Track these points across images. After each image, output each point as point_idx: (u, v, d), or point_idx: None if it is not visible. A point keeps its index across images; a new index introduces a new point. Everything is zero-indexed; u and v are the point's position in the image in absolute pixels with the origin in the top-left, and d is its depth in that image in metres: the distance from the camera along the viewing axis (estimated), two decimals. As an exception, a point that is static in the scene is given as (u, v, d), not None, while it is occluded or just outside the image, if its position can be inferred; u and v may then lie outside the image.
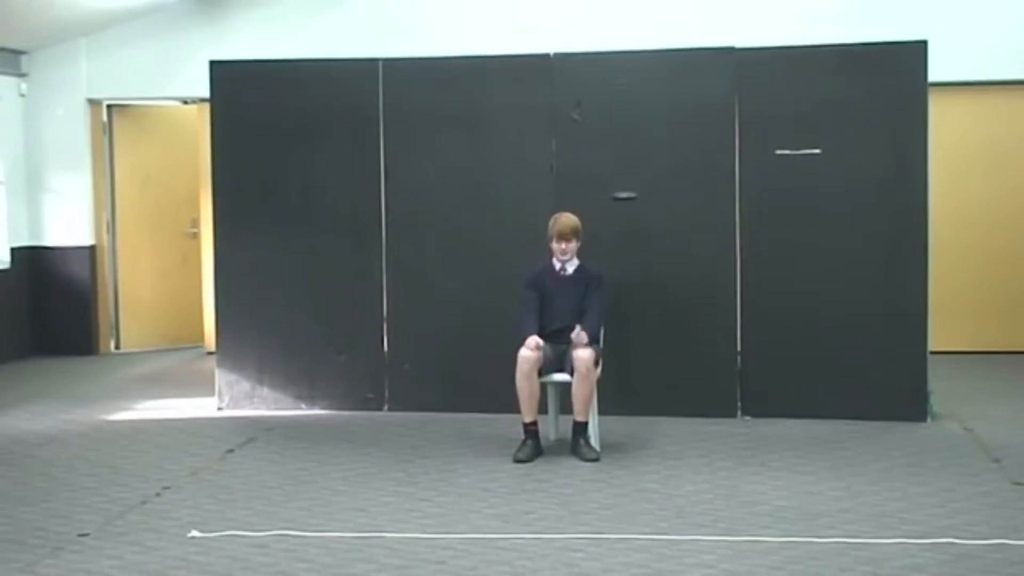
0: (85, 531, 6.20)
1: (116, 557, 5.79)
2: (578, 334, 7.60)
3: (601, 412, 7.83)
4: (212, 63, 9.39)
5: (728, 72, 8.76)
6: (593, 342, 7.72)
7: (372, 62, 9.19)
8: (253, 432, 8.51)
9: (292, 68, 9.48)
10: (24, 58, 12.18)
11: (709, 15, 11.16)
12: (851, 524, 6.15)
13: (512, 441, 7.82)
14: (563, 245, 7.89)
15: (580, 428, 7.67)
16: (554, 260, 7.96)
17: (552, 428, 8.05)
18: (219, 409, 9.28)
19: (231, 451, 7.97)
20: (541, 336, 7.70)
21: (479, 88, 9.04)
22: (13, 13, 11.07)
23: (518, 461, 7.50)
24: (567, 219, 7.91)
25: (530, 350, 7.57)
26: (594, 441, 7.70)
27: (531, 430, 7.65)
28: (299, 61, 9.69)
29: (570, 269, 7.96)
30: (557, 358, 7.73)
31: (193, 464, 7.62)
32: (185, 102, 12.54)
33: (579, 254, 7.96)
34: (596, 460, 7.50)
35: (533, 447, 7.63)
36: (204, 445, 8.17)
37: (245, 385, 9.27)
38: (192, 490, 7.00)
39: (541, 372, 7.65)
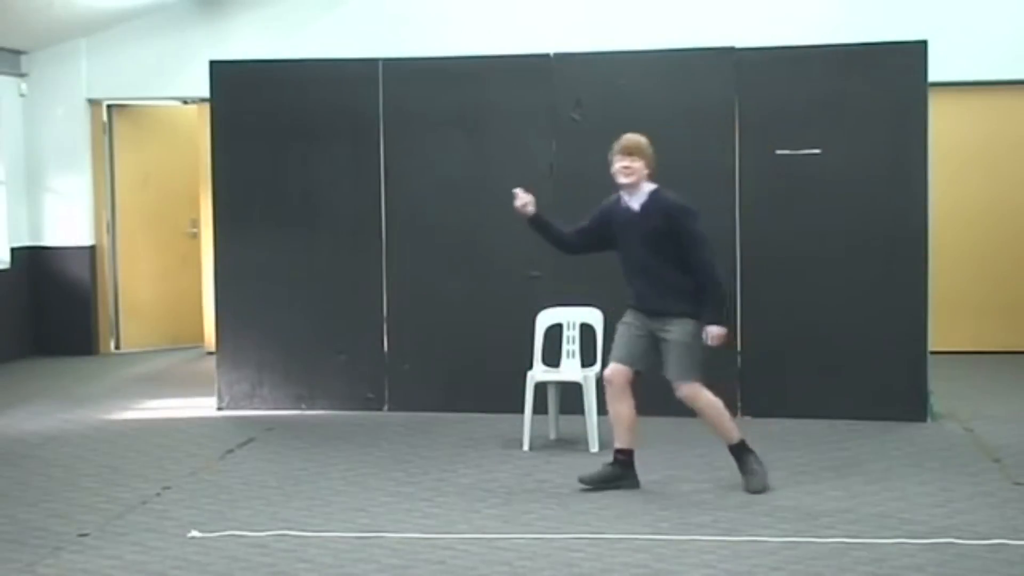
0: (85, 531, 6.20)
1: (116, 557, 5.78)
2: (714, 338, 6.72)
3: (601, 412, 7.79)
4: (212, 63, 9.40)
5: (728, 72, 8.76)
6: (716, 318, 6.72)
7: (372, 62, 9.20)
8: (253, 432, 8.51)
9: (292, 68, 9.49)
10: (24, 58, 12.18)
11: (709, 15, 11.16)
12: (851, 524, 6.15)
13: (512, 441, 7.83)
14: (625, 162, 6.74)
15: (734, 452, 6.88)
16: (621, 191, 6.86)
17: (552, 428, 8.05)
18: (219, 409, 9.28)
19: (231, 451, 7.97)
20: (630, 303, 6.83)
21: (479, 88, 9.04)
22: (13, 13, 11.07)
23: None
24: (630, 135, 6.84)
25: (519, 204, 6.90)
26: (594, 441, 7.70)
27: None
28: (299, 61, 9.69)
29: (636, 204, 6.82)
30: (651, 343, 6.78)
31: (193, 464, 7.62)
32: (185, 102, 12.54)
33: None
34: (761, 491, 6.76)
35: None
36: (204, 445, 8.18)
37: (245, 385, 9.27)
38: (192, 490, 7.00)
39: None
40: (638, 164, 6.74)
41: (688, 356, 6.74)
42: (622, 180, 6.77)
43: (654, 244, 6.72)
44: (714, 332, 6.73)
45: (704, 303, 6.72)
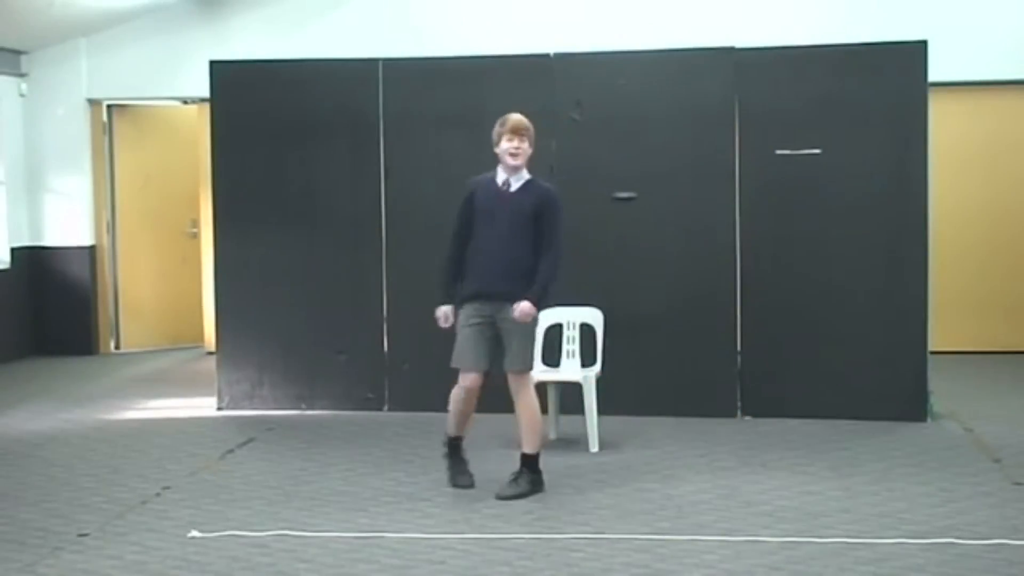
0: (85, 531, 6.20)
1: (116, 557, 5.79)
2: (521, 311, 6.62)
3: (601, 412, 7.83)
4: (212, 63, 9.40)
5: (728, 72, 8.76)
6: (536, 297, 6.68)
7: (372, 62, 9.20)
8: (253, 432, 8.51)
9: (292, 68, 9.48)
10: (24, 58, 12.19)
11: (709, 15, 11.16)
12: (851, 524, 6.15)
13: (512, 441, 7.81)
14: (515, 143, 6.75)
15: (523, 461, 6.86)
16: (499, 170, 6.85)
17: (552, 427, 8.05)
18: (219, 409, 9.28)
19: (231, 451, 7.97)
20: (469, 293, 6.79)
21: (479, 88, 9.03)
22: (13, 13, 11.07)
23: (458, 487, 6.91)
24: (519, 116, 6.86)
25: (441, 323, 6.85)
26: (594, 441, 7.70)
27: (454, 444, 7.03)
28: (299, 61, 9.68)
29: (515, 184, 6.82)
30: (495, 335, 6.77)
31: (193, 464, 7.62)
32: (185, 102, 12.54)
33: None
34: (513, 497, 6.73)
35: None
36: (204, 445, 8.17)
37: (245, 385, 9.27)
38: (192, 490, 7.00)
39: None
40: (526, 146, 6.78)
41: (530, 344, 6.85)
42: (510, 161, 6.78)
43: (521, 225, 6.71)
44: (524, 307, 6.62)
45: (534, 281, 6.65)
